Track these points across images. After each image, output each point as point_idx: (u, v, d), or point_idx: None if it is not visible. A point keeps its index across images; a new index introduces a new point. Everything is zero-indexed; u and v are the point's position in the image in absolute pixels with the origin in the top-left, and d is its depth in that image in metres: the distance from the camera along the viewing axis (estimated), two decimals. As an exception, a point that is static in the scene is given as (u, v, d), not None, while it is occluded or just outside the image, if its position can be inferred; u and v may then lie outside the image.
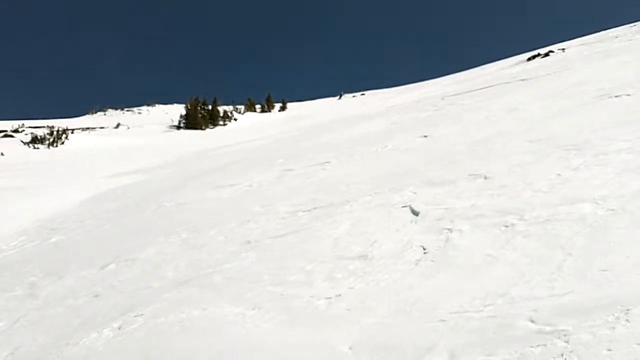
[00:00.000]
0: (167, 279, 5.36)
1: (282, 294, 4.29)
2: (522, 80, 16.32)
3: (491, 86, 17.35)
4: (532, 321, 2.96)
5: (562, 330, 2.79)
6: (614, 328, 2.69)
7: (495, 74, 25.45)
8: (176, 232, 7.08)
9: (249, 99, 52.37)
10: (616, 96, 8.66)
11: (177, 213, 8.47)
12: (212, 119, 41.18)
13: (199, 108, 41.41)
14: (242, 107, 49.96)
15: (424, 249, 4.46)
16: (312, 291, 4.21)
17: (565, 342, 2.69)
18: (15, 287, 6.26)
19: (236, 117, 43.92)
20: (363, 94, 53.72)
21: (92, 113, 51.89)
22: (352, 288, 4.10)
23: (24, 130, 31.82)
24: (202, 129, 38.66)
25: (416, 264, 4.21)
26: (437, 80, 44.86)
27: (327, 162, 9.61)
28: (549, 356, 2.63)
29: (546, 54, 29.70)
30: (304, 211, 6.56)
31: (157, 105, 54.72)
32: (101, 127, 38.32)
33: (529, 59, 30.92)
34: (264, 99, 52.96)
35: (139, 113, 51.44)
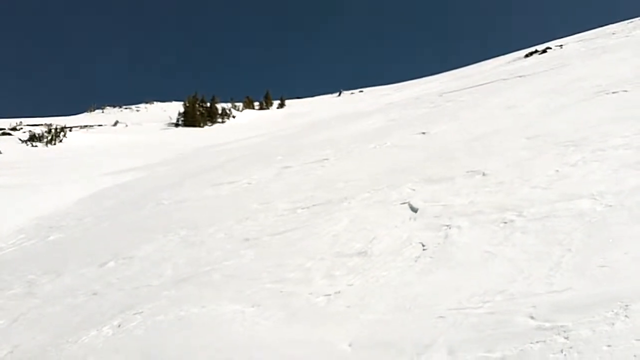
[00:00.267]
0: (166, 277, 5.37)
1: (281, 291, 4.30)
2: (520, 76, 16.31)
3: (489, 83, 17.35)
4: (532, 317, 2.97)
5: (561, 326, 2.80)
6: (613, 324, 2.70)
7: (492, 71, 25.45)
8: (175, 229, 7.08)
9: (247, 97, 52.25)
10: (613, 92, 8.66)
11: (175, 211, 8.47)
12: (210, 117, 41.09)
13: (197, 105, 41.31)
14: (240, 105, 49.85)
15: (423, 245, 4.46)
16: (311, 288, 4.22)
17: (565, 338, 2.70)
18: (13, 285, 6.26)
19: (234, 115, 43.84)
20: (361, 91, 53.66)
21: (90, 111, 51.74)
22: (351, 285, 4.10)
23: (22, 128, 31.73)
24: (200, 127, 38.57)
25: (415, 261, 4.22)
26: (435, 77, 44.84)
27: (326, 159, 9.61)
28: (548, 352, 2.64)
29: (544, 51, 29.69)
30: (302, 208, 6.56)
31: (155, 102, 54.51)
32: (99, 125, 38.23)
33: (526, 56, 30.91)
34: (262, 96, 52.87)
35: (137, 111, 51.28)
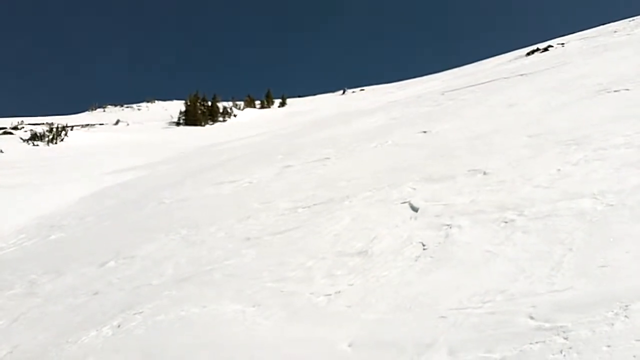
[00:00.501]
0: (166, 276, 5.37)
1: (282, 291, 4.30)
2: (521, 75, 16.29)
3: (490, 81, 17.32)
4: (532, 317, 2.96)
5: (561, 327, 2.79)
6: (613, 324, 2.69)
7: (494, 69, 25.42)
8: (176, 228, 7.08)
9: (249, 95, 52.32)
10: (615, 91, 8.65)
11: (176, 209, 8.47)
12: (211, 115, 41.11)
13: (198, 104, 41.34)
14: (241, 103, 49.88)
15: (424, 245, 4.46)
16: (312, 288, 4.22)
17: (565, 338, 2.70)
18: (14, 285, 6.27)
19: (236, 113, 43.85)
20: (363, 90, 53.67)
21: (92, 110, 51.78)
22: (351, 284, 4.10)
23: (23, 128, 31.77)
24: (201, 125, 38.59)
25: (416, 260, 4.21)
26: (437, 75, 44.81)
27: (327, 158, 9.60)
28: (548, 352, 2.63)
29: (545, 49, 29.66)
30: (303, 207, 6.56)
31: (156, 101, 54.54)
32: (100, 124, 38.27)
33: (528, 54, 30.88)
34: (264, 94, 52.89)
35: (139, 109, 51.30)
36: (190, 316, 4.25)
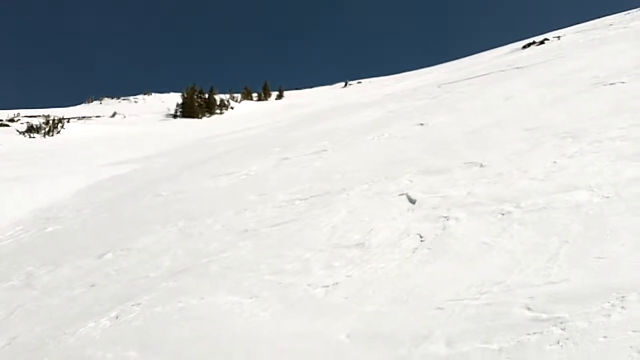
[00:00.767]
0: (164, 268, 5.37)
1: (280, 283, 4.30)
2: (518, 68, 16.29)
3: (487, 74, 17.32)
4: (529, 309, 2.98)
5: (558, 318, 2.81)
6: (609, 315, 2.71)
7: (490, 62, 25.41)
8: (173, 221, 7.08)
9: (246, 87, 52.21)
10: (611, 84, 8.66)
11: (173, 202, 8.46)
12: (208, 108, 41.01)
13: (195, 97, 41.22)
14: (238, 96, 49.78)
15: (421, 237, 4.47)
16: (309, 280, 4.23)
17: (562, 329, 2.71)
18: (11, 277, 6.26)
19: (233, 106, 43.76)
20: (359, 82, 53.63)
21: (88, 102, 51.62)
22: (349, 276, 4.11)
23: (19, 120, 31.66)
24: (198, 118, 38.51)
25: (413, 252, 4.22)
26: (434, 68, 44.81)
27: (324, 151, 9.60)
28: (545, 343, 2.65)
29: (541, 42, 29.64)
30: (300, 200, 6.57)
31: (153, 94, 54.39)
32: (97, 116, 38.15)
33: (524, 47, 30.87)
34: (261, 87, 52.82)
35: (135, 102, 51.16)
36: (187, 308, 4.26)
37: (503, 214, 4.45)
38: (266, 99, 51.10)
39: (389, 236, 4.68)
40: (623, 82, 8.52)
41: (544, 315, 2.87)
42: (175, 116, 38.72)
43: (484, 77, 16.70)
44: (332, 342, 3.24)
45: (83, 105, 50.70)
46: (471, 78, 17.37)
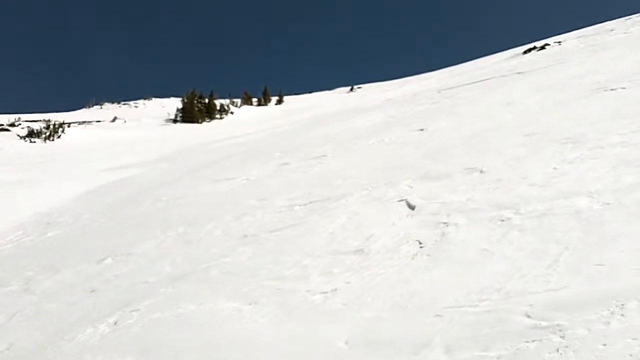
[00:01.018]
0: (163, 274, 5.36)
1: (279, 289, 4.30)
2: (518, 73, 16.30)
3: (487, 79, 17.33)
4: (528, 316, 2.97)
5: (557, 325, 2.80)
6: (609, 323, 2.70)
7: (491, 67, 25.43)
8: (173, 226, 7.07)
9: (246, 92, 52.17)
10: (612, 89, 8.67)
11: (173, 207, 8.46)
12: (208, 113, 41.00)
13: (195, 101, 41.22)
14: (238, 101, 49.74)
15: (420, 243, 4.46)
16: (308, 286, 4.22)
17: (561, 337, 2.70)
18: (11, 282, 6.26)
19: (233, 111, 43.73)
20: (360, 87, 53.65)
21: (89, 107, 51.59)
22: (348, 282, 4.10)
23: (20, 124, 31.64)
24: (198, 123, 38.48)
25: (412, 259, 4.22)
26: (434, 73, 44.80)
27: (324, 156, 9.60)
28: (544, 351, 2.64)
29: (542, 47, 29.68)
30: (300, 205, 6.56)
31: (153, 98, 54.35)
32: (97, 121, 38.10)
33: (525, 52, 30.89)
34: (261, 92, 52.82)
35: (136, 107, 51.12)
36: (186, 314, 4.25)
37: (503, 220, 4.44)
38: (266, 104, 51.09)
39: (388, 242, 4.68)
40: (624, 88, 8.52)
41: (544, 323, 2.86)
42: (175, 121, 38.71)
43: (485, 82, 16.71)
44: (330, 349, 3.23)
45: (83, 110, 50.71)
46: (472, 83, 17.38)
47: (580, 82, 10.35)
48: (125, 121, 38.01)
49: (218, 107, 42.42)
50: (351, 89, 53.57)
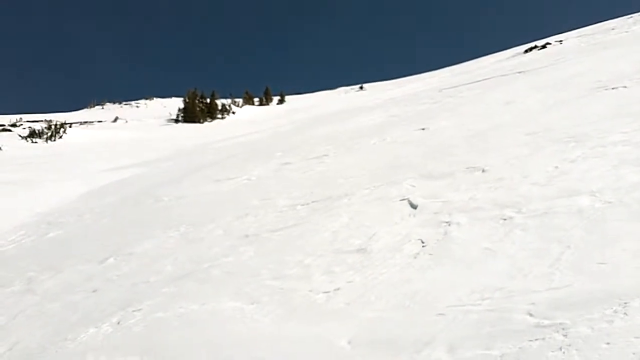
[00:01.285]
0: (165, 273, 5.37)
1: (281, 288, 4.30)
2: (519, 72, 16.30)
3: (488, 78, 17.34)
4: (530, 315, 2.97)
5: (560, 324, 2.80)
6: (612, 321, 2.70)
7: (492, 67, 25.44)
8: (174, 226, 7.08)
9: (247, 92, 52.25)
10: (613, 88, 8.66)
11: (175, 207, 8.46)
12: (210, 113, 41.04)
13: (197, 101, 41.27)
14: (240, 100, 49.82)
15: (423, 242, 4.46)
16: (310, 285, 4.22)
17: (564, 335, 2.70)
18: (13, 282, 6.26)
19: (234, 110, 43.80)
20: (361, 87, 53.67)
21: (90, 107, 51.75)
22: (350, 282, 4.10)
23: (22, 125, 31.70)
24: (200, 123, 38.55)
25: (415, 258, 4.22)
26: (435, 72, 44.86)
27: (326, 155, 9.60)
28: (547, 350, 2.64)
29: (543, 46, 29.68)
30: (302, 205, 6.56)
31: (155, 98, 54.51)
32: (99, 121, 38.19)
33: (525, 51, 30.91)
34: (262, 92, 52.86)
35: (137, 107, 51.27)
36: (189, 313, 4.25)
37: (505, 219, 4.44)
38: (268, 104, 51.15)
39: (390, 241, 4.68)
40: (625, 87, 8.52)
41: (546, 322, 2.86)
42: (177, 121, 38.75)
43: (486, 81, 16.71)
44: (333, 348, 3.23)
45: (85, 110, 50.81)
46: (473, 82, 17.38)
47: (581, 81, 10.34)
48: (126, 121, 38.07)
49: (219, 107, 42.48)
50: (361, 88, 53.50)
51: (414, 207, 5.39)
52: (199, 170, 12.01)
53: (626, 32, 20.63)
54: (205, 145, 19.79)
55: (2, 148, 22.45)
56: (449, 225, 4.65)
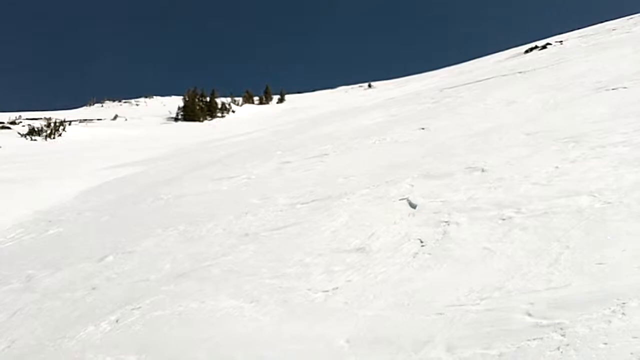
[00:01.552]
0: (165, 272, 5.37)
1: (280, 287, 4.30)
2: (520, 72, 16.31)
3: (489, 79, 17.34)
4: (529, 314, 2.97)
5: (558, 324, 2.80)
6: (610, 321, 2.70)
7: (492, 67, 25.45)
8: (174, 224, 7.07)
9: (247, 91, 52.24)
10: (613, 89, 8.67)
11: (175, 205, 8.46)
12: (210, 111, 41.05)
13: (196, 100, 41.27)
14: (240, 99, 49.83)
15: (422, 242, 4.47)
16: (309, 284, 4.22)
17: (562, 335, 2.71)
18: (12, 279, 6.26)
19: (234, 109, 43.81)
20: (361, 86, 53.68)
21: (90, 105, 51.77)
22: (349, 281, 4.11)
23: (21, 122, 31.72)
24: (200, 121, 38.56)
25: (414, 257, 4.22)
26: (436, 72, 44.89)
27: (325, 155, 9.60)
28: (545, 350, 2.64)
29: (544, 47, 29.70)
30: (302, 204, 6.56)
31: (154, 97, 54.54)
32: (99, 119, 38.21)
33: (526, 52, 30.94)
34: (262, 90, 52.83)
35: (137, 105, 51.31)
36: (188, 312, 4.25)
37: (504, 219, 4.44)
38: (267, 103, 51.13)
39: (389, 241, 4.68)
40: (625, 87, 8.53)
41: (545, 321, 2.86)
42: (176, 119, 38.76)
43: (486, 81, 16.71)
44: (332, 347, 3.23)
45: (85, 108, 50.82)
46: (473, 82, 17.39)
47: (581, 82, 10.35)
48: (126, 119, 38.09)
49: (219, 106, 42.48)
50: (369, 86, 53.40)
51: (413, 206, 5.39)
52: (198, 169, 12.01)
53: (627, 32, 20.64)
54: (205, 144, 19.78)
55: (1, 146, 22.44)
56: (448, 224, 4.65)
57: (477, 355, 2.77)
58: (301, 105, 42.52)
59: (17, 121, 32.33)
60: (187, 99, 40.67)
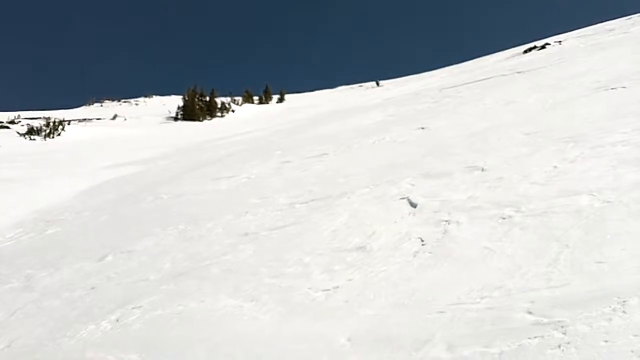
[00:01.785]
0: (164, 271, 5.37)
1: (280, 286, 4.30)
2: (519, 72, 16.31)
3: (488, 78, 17.35)
4: (529, 313, 2.98)
5: (559, 322, 2.81)
6: (610, 319, 2.71)
7: (491, 66, 25.46)
8: (173, 223, 7.07)
9: (247, 91, 52.11)
10: (612, 89, 8.67)
11: (174, 205, 8.46)
12: (209, 111, 40.95)
13: (196, 99, 41.17)
14: (239, 99, 49.72)
15: (422, 240, 4.47)
16: (310, 283, 4.23)
17: (563, 333, 2.71)
18: (11, 279, 6.26)
19: (234, 109, 43.71)
20: (361, 86, 53.62)
21: (89, 104, 51.67)
22: (350, 280, 4.11)
23: (20, 122, 31.65)
24: (199, 121, 38.46)
25: (414, 256, 4.22)
26: (435, 72, 44.84)
27: (325, 154, 9.60)
28: (546, 348, 2.65)
29: (542, 47, 29.70)
30: (301, 203, 6.56)
31: (154, 96, 54.44)
32: (98, 119, 38.13)
33: (525, 52, 30.93)
34: (262, 90, 52.75)
35: (136, 104, 51.24)
36: (188, 311, 4.26)
37: (504, 218, 4.45)
38: (267, 102, 51.06)
39: (389, 240, 4.68)
40: (624, 87, 8.53)
41: (545, 320, 2.87)
42: (176, 119, 38.70)
43: (485, 81, 16.72)
44: (332, 346, 3.23)
45: (84, 107, 50.72)
46: (472, 82, 17.39)
47: (580, 82, 10.35)
48: (125, 119, 38.02)
49: (219, 105, 42.38)
50: (377, 84, 53.23)
51: (413, 205, 5.40)
52: (198, 168, 12.00)
53: (625, 33, 20.64)
54: (205, 143, 19.77)
55: (0, 145, 22.42)
56: (449, 224, 4.65)
57: (477, 354, 2.77)
58: (301, 104, 42.48)
59: (16, 120, 32.27)
60: (186, 99, 40.57)
